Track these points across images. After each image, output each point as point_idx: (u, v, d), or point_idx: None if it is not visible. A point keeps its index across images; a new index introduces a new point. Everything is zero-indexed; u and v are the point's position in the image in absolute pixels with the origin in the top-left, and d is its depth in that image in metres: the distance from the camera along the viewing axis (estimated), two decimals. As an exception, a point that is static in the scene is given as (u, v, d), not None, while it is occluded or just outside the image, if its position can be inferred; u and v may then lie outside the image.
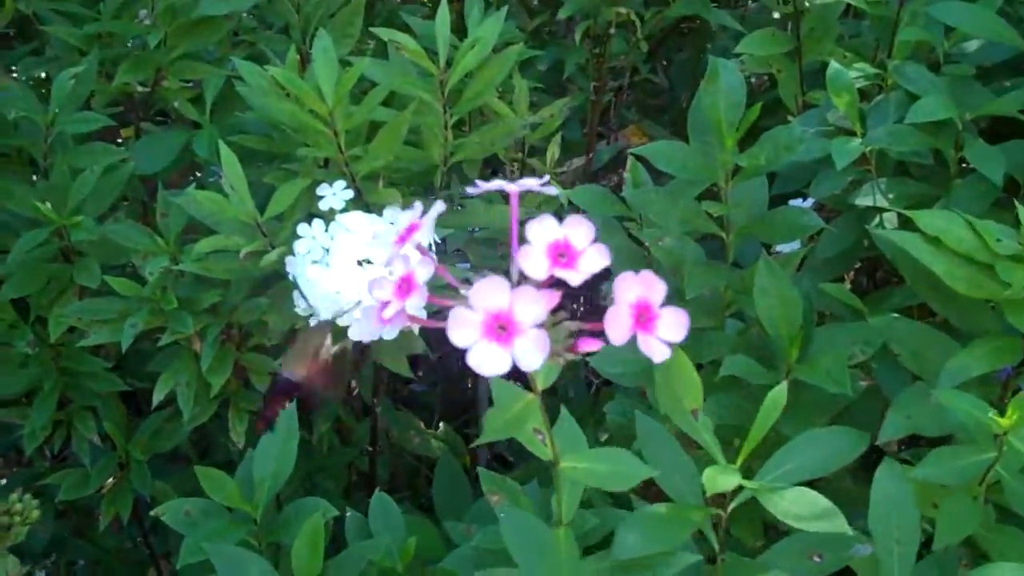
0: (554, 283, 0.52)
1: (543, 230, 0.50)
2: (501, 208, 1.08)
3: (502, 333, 0.49)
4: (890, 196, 0.95)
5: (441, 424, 1.50)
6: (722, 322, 0.96)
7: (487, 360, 0.48)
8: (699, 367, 0.96)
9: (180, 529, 0.89)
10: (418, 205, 0.55)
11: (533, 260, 0.50)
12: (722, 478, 0.67)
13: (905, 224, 0.85)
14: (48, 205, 0.99)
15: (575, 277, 0.50)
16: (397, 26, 1.24)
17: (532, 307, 0.49)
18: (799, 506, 0.70)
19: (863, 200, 0.96)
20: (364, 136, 1.02)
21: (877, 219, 0.96)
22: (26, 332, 1.04)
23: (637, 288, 0.50)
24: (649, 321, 0.50)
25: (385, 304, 0.52)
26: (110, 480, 1.15)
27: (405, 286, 0.52)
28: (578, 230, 0.51)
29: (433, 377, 1.63)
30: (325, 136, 0.96)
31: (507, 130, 1.04)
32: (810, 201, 1.09)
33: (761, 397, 0.91)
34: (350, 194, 0.95)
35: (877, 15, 1.02)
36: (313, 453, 1.29)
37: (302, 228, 0.92)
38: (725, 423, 0.89)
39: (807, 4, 1.10)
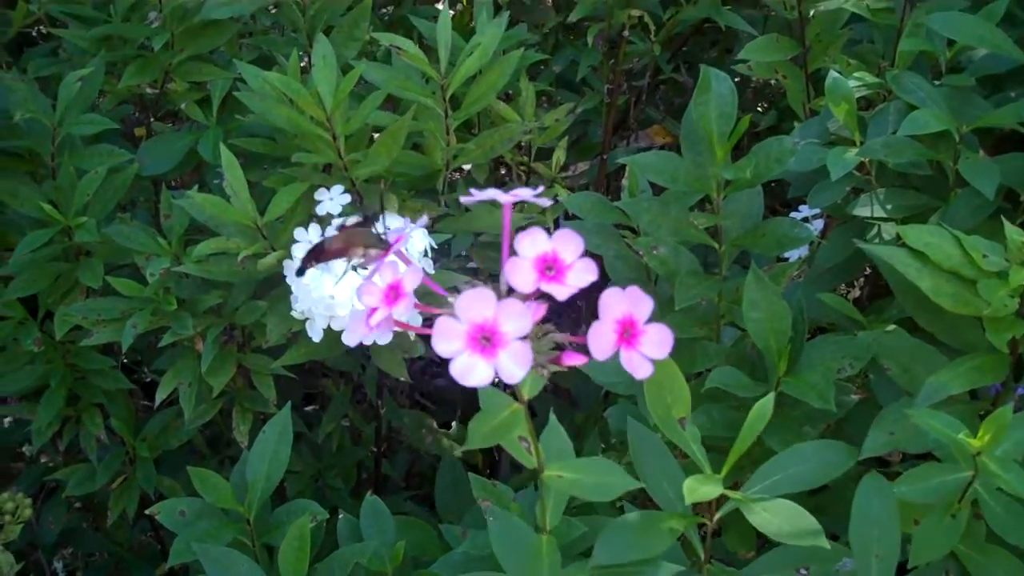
0: (541, 295, 0.53)
1: (532, 243, 0.51)
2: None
3: (486, 344, 0.49)
4: (888, 207, 0.94)
5: (454, 424, 1.51)
6: (716, 332, 0.95)
7: (470, 371, 0.49)
8: (693, 376, 0.97)
9: (174, 529, 0.90)
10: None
11: (521, 273, 0.51)
12: (703, 488, 0.67)
13: (900, 236, 0.85)
14: (53, 206, 1.01)
15: (562, 292, 0.51)
16: (407, 29, 1.25)
17: (517, 320, 0.49)
18: (781, 519, 0.70)
19: (861, 211, 0.95)
20: (366, 140, 1.03)
21: (876, 230, 0.95)
22: (33, 330, 1.06)
23: (623, 304, 0.51)
24: (633, 337, 0.51)
25: (373, 310, 0.53)
26: (123, 476, 1.17)
27: (392, 293, 0.53)
28: (567, 244, 0.52)
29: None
30: (324, 140, 0.97)
31: (507, 135, 1.04)
32: (816, 209, 1.08)
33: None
34: (347, 199, 0.95)
35: (882, 23, 1.01)
36: (323, 452, 1.30)
37: (299, 232, 0.93)
38: (717, 434, 0.89)
39: (812, 11, 1.09)
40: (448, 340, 0.49)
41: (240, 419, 1.08)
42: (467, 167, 1.21)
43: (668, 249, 0.93)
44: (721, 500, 0.71)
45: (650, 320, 0.52)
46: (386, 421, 1.32)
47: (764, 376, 0.89)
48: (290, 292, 0.94)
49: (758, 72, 1.14)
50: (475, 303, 0.49)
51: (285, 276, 0.94)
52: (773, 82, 1.49)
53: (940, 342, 0.83)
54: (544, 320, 0.55)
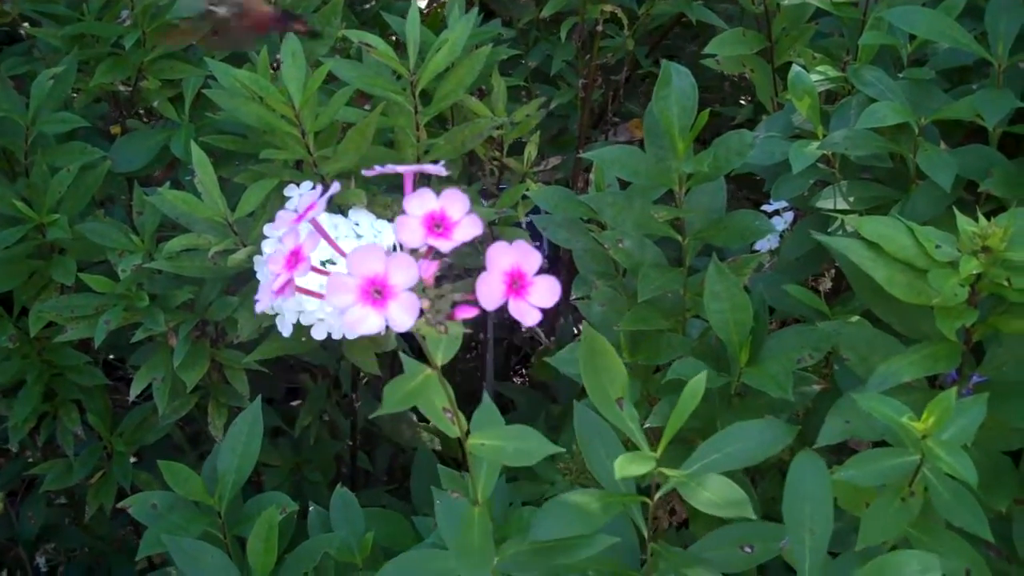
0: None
1: (420, 202, 0.54)
2: (478, 208, 1.09)
3: (377, 297, 0.52)
4: (851, 199, 0.95)
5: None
6: (682, 324, 0.96)
7: (361, 321, 0.51)
8: (657, 369, 0.98)
9: (146, 521, 0.91)
10: (307, 184, 0.57)
11: (409, 229, 0.53)
12: (633, 465, 0.68)
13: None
14: (27, 203, 1.01)
15: (446, 245, 0.53)
16: (383, 27, 1.26)
17: (405, 272, 0.52)
18: (715, 494, 0.71)
19: (824, 203, 0.96)
20: (336, 137, 1.04)
21: (839, 222, 0.96)
22: (8, 326, 1.07)
23: (510, 256, 0.53)
24: (522, 288, 0.53)
25: (277, 276, 0.55)
26: (101, 471, 1.18)
27: (294, 259, 0.55)
28: (454, 203, 0.54)
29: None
30: (293, 137, 0.98)
31: (478, 130, 1.05)
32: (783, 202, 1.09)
33: (716, 399, 0.93)
34: (317, 194, 0.96)
35: (846, 17, 1.02)
36: (301, 447, 1.31)
37: (268, 228, 0.94)
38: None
39: (778, 4, 1.10)
40: (341, 294, 0.52)
41: (215, 414, 1.09)
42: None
43: (633, 242, 0.94)
44: (661, 479, 0.72)
45: (540, 273, 0.54)
46: (363, 415, 1.33)
47: (727, 367, 0.90)
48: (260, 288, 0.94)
49: (726, 67, 1.15)
50: (366, 258, 0.52)
51: (256, 272, 0.95)
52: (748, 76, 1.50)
53: (899, 333, 0.84)
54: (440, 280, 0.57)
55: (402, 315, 0.51)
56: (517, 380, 1.75)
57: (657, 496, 0.72)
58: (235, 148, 1.04)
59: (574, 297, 0.99)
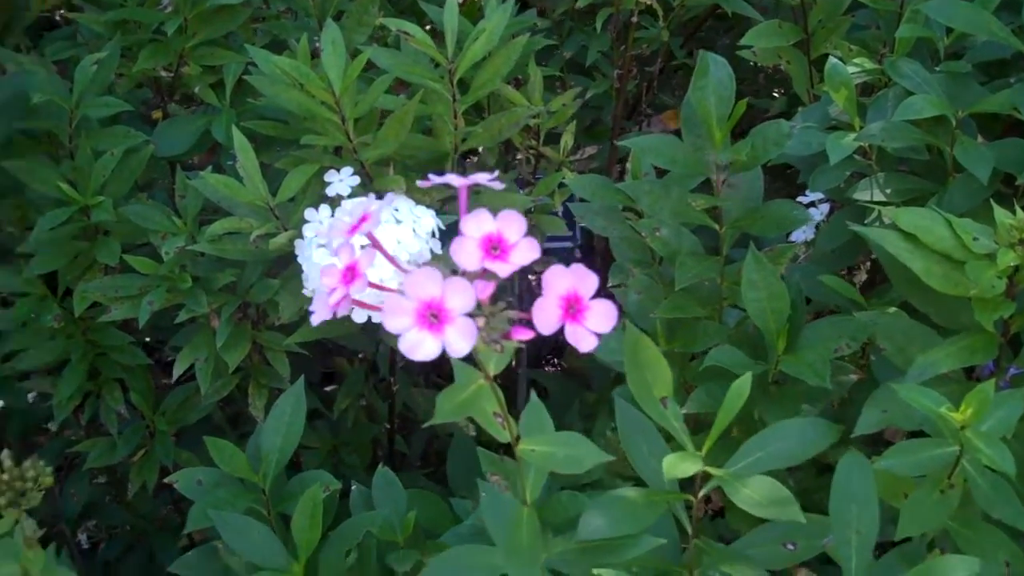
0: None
1: (477, 223, 0.54)
2: (516, 196, 1.10)
3: (434, 321, 0.52)
4: (887, 191, 0.95)
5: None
6: (719, 313, 0.97)
7: (418, 346, 0.52)
8: (693, 356, 0.99)
9: (192, 497, 0.93)
10: (371, 196, 0.58)
11: (466, 252, 0.53)
12: (683, 464, 0.69)
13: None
14: (72, 186, 1.03)
15: (504, 269, 0.53)
16: (419, 15, 1.27)
17: (462, 296, 0.52)
18: (760, 493, 0.72)
19: (861, 195, 0.97)
20: (375, 124, 1.05)
21: (876, 213, 0.97)
22: (53, 306, 1.09)
23: (567, 280, 0.53)
24: (579, 312, 0.53)
25: (333, 290, 0.56)
26: (143, 449, 1.20)
27: (350, 274, 0.55)
28: (510, 224, 0.54)
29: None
30: (333, 123, 0.99)
31: (514, 119, 1.06)
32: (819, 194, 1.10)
33: (753, 387, 0.94)
34: (356, 180, 0.98)
35: (883, 9, 1.03)
36: (339, 429, 1.33)
37: (309, 213, 0.96)
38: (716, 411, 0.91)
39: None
40: (398, 316, 0.52)
41: (256, 394, 1.11)
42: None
43: (670, 230, 0.95)
44: (706, 478, 0.73)
45: (597, 296, 0.54)
46: (400, 399, 1.35)
47: (764, 355, 0.91)
48: (301, 271, 0.96)
49: (762, 59, 1.16)
50: (423, 281, 0.52)
51: (296, 255, 0.96)
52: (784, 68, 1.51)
53: (936, 324, 0.85)
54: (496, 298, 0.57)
55: (459, 341, 0.51)
56: (549, 370, 1.76)
57: (701, 494, 0.73)
58: (275, 134, 1.06)
59: (610, 285, 1.00)
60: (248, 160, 0.99)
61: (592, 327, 0.53)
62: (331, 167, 0.99)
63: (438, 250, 0.97)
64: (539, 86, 1.18)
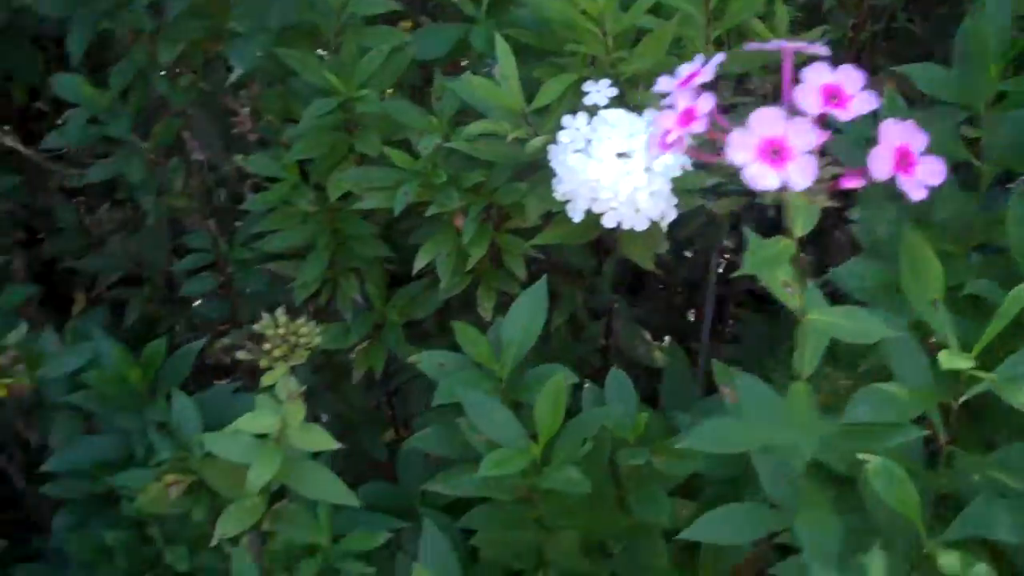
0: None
1: (817, 74, 0.58)
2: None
3: (775, 157, 0.56)
4: None
5: (666, 338, 1.55)
6: (966, 251, 0.97)
7: (761, 177, 0.56)
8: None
9: (434, 376, 0.99)
10: (699, 56, 0.62)
11: (807, 97, 0.57)
12: (956, 360, 0.70)
13: None
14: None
15: (844, 115, 0.57)
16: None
17: (804, 135, 0.56)
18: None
19: None
20: (630, 41, 1.08)
21: None
22: (307, 192, 1.16)
23: (901, 133, 0.57)
24: (910, 166, 0.57)
25: (667, 132, 0.59)
26: (364, 343, 1.26)
27: (686, 117, 0.59)
28: (849, 76, 0.58)
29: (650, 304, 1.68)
30: (593, 35, 1.03)
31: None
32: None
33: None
34: (614, 91, 1.00)
35: None
36: (549, 345, 1.37)
37: (567, 119, 0.99)
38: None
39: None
40: (741, 150, 0.56)
41: (485, 297, 1.15)
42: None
43: (926, 163, 0.95)
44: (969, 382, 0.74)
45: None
46: (619, 321, 1.38)
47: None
48: (551, 176, 1.00)
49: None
50: (767, 120, 0.56)
51: (549, 160, 1.00)
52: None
53: None
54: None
55: (800, 176, 0.55)
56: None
57: (963, 398, 0.74)
58: (534, 43, 1.09)
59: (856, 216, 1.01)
60: (508, 65, 1.03)
61: (922, 179, 0.57)
62: (588, 77, 1.02)
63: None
64: (785, 22, 1.18)
